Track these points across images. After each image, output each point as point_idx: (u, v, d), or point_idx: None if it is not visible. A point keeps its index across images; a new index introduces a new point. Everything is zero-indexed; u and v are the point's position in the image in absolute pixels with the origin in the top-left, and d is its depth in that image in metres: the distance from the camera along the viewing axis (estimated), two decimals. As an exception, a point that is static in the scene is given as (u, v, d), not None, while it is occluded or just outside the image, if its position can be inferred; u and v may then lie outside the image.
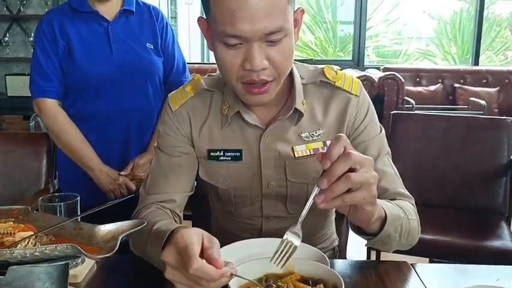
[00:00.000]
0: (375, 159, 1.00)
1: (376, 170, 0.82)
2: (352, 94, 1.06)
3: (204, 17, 0.94)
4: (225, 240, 0.95)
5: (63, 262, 0.71)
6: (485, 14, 6.36)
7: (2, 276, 0.68)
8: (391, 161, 1.10)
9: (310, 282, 0.76)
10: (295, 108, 1.01)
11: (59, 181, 1.74)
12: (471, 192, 2.13)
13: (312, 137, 1.05)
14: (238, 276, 0.74)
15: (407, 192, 1.09)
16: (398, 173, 1.10)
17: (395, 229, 0.91)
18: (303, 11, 0.95)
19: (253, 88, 0.92)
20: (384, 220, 0.88)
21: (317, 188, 0.74)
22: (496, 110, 4.16)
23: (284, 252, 0.78)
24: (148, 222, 0.88)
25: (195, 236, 0.73)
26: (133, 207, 1.07)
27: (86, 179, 1.61)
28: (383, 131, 1.11)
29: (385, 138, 1.10)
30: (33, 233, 0.74)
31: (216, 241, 0.76)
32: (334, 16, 7.30)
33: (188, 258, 0.70)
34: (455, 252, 1.87)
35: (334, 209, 1.22)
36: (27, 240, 0.72)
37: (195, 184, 1.12)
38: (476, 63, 4.66)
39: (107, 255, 0.67)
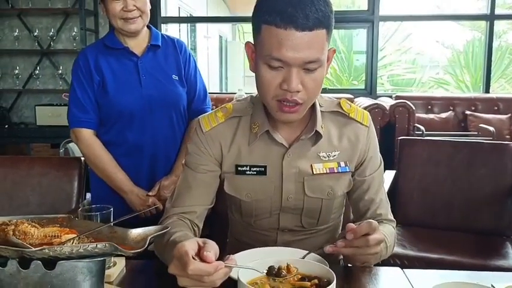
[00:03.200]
0: (376, 190, 1.23)
1: (378, 199, 1.19)
2: (363, 124, 1.22)
3: (252, 42, 1.10)
4: (241, 250, 1.10)
5: (102, 258, 0.86)
6: (498, 42, 6.48)
7: (53, 270, 0.82)
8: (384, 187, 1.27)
9: (307, 279, 0.89)
10: (316, 130, 1.16)
11: (92, 201, 1.88)
12: (476, 214, 2.19)
13: (328, 157, 1.19)
14: (237, 266, 0.86)
15: (392, 217, 1.27)
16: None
17: (375, 258, 1.09)
18: (334, 51, 1.11)
19: (286, 107, 1.07)
20: None
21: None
22: (508, 136, 4.20)
23: None
24: (168, 232, 1.02)
25: (188, 245, 0.86)
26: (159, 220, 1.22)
27: (116, 198, 1.75)
28: (382, 161, 1.27)
29: (383, 169, 1.27)
30: (76, 235, 0.89)
31: (209, 241, 0.89)
32: (349, 46, 7.51)
33: (184, 263, 0.83)
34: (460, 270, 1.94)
35: (341, 226, 1.36)
36: (71, 241, 0.87)
37: (214, 200, 1.25)
38: (487, 90, 4.74)
39: (139, 250, 0.81)
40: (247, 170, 1.18)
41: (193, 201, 1.19)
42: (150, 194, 1.78)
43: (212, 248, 0.87)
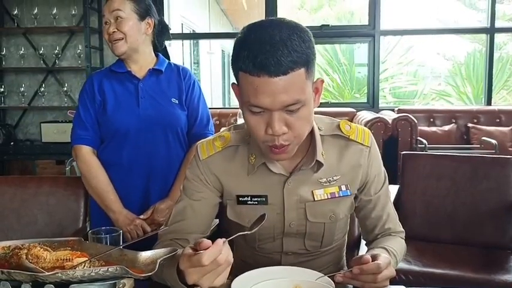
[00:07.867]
0: (382, 207, 1.25)
1: (385, 214, 1.22)
2: (364, 145, 1.21)
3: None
4: (246, 271, 1.10)
5: (113, 281, 0.88)
6: (498, 54, 6.51)
7: (65, 293, 0.85)
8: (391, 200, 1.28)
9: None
10: (316, 160, 1.15)
11: (90, 221, 1.91)
12: (479, 228, 2.20)
13: (329, 182, 1.18)
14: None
15: (401, 228, 1.29)
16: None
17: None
18: (322, 81, 1.08)
19: (275, 149, 1.05)
20: None
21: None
22: (511, 149, 4.22)
23: None
24: None
25: (185, 250, 0.93)
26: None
27: (111, 223, 1.78)
28: (386, 176, 1.27)
29: (388, 183, 1.28)
30: (87, 259, 0.91)
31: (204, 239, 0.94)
32: (351, 59, 7.57)
33: (197, 260, 0.88)
34: (465, 285, 1.95)
35: (345, 246, 1.37)
36: (83, 265, 0.89)
37: (217, 222, 1.27)
38: (488, 103, 4.75)
39: (149, 274, 0.84)
40: (248, 200, 1.18)
41: (187, 229, 1.18)
42: (142, 217, 1.78)
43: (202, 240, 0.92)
